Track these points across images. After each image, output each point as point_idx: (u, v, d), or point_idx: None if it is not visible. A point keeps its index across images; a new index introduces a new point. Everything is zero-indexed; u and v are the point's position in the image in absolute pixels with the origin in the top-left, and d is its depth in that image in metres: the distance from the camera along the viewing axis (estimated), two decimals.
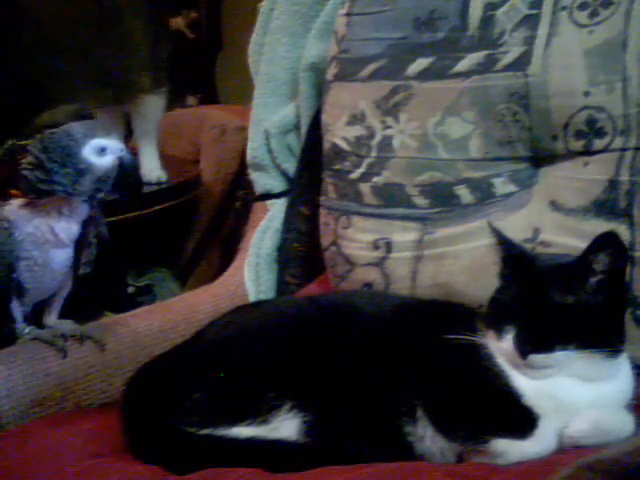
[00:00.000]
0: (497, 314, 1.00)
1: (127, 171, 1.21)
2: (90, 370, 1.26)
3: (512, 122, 1.25)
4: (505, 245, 1.03)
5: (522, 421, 0.95)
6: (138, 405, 1.09)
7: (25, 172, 1.17)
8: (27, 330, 1.23)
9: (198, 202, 2.05)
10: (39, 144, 1.17)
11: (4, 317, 1.22)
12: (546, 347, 0.94)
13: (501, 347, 0.97)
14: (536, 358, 0.95)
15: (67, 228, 1.20)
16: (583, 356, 0.94)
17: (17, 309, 1.22)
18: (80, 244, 1.23)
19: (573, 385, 0.96)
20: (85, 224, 1.22)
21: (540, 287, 0.97)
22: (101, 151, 1.18)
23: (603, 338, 0.95)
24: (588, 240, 0.97)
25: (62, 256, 1.22)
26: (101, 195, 1.20)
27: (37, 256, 1.19)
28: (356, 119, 1.37)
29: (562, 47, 1.21)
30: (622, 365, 0.99)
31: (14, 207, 1.19)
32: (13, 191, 1.20)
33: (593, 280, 0.96)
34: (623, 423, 0.97)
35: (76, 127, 1.19)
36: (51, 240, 1.19)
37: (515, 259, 1.02)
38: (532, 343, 0.95)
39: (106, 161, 1.18)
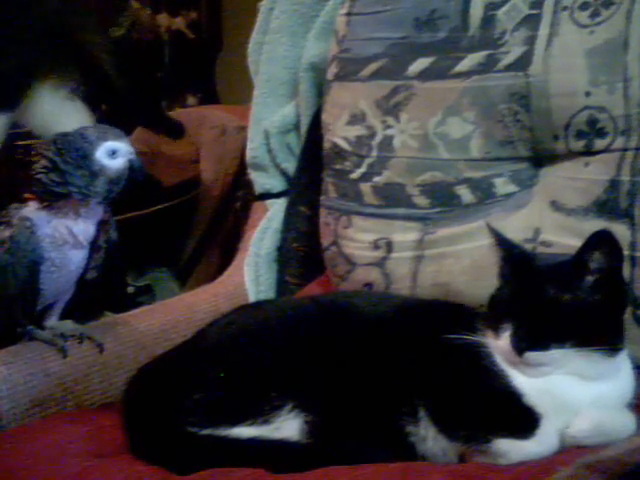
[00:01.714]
0: (495, 313, 1.00)
1: (135, 174, 1.21)
2: (90, 370, 1.26)
3: (513, 122, 1.25)
4: (503, 245, 1.03)
5: (523, 421, 0.95)
6: (139, 405, 1.09)
7: (39, 175, 1.17)
8: (28, 329, 1.23)
9: (198, 202, 2.05)
10: (53, 147, 1.18)
11: (17, 318, 1.22)
12: (541, 344, 0.94)
13: (499, 345, 0.97)
14: (531, 355, 0.94)
15: (84, 229, 1.21)
16: (581, 354, 0.94)
17: (28, 311, 1.23)
18: (92, 247, 1.24)
19: (573, 384, 0.95)
20: (97, 227, 1.23)
21: (537, 285, 0.97)
22: (112, 154, 1.18)
23: (600, 336, 0.95)
24: None
25: (79, 257, 1.22)
26: (113, 197, 1.21)
27: (55, 257, 1.19)
28: (356, 119, 1.37)
29: (563, 47, 1.21)
30: (622, 364, 0.99)
31: (32, 209, 1.19)
32: (28, 195, 1.20)
33: (589, 278, 0.95)
34: (624, 423, 0.97)
35: (89, 130, 1.20)
36: (70, 241, 1.20)
37: (513, 258, 1.02)
38: (528, 341, 0.95)
39: (117, 163, 1.19)
